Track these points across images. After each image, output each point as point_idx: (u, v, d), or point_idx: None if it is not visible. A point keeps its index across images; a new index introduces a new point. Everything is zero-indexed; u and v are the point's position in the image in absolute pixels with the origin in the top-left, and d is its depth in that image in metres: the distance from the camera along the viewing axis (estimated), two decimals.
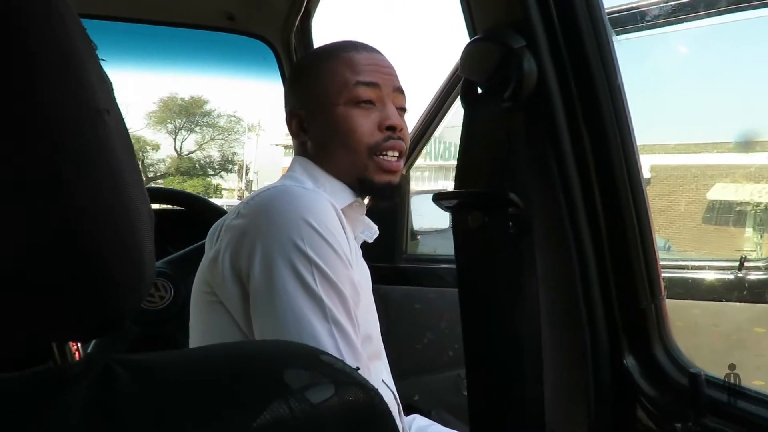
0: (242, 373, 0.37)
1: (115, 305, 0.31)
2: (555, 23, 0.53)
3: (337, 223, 0.83)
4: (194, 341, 0.93)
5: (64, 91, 0.28)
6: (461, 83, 0.63)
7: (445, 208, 0.61)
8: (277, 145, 24.32)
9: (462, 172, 0.60)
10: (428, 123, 1.64)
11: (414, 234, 1.91)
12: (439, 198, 0.60)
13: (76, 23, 0.30)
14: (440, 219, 1.95)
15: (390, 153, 0.93)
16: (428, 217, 1.94)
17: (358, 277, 0.88)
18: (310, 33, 1.37)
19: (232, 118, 27.10)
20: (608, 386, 0.59)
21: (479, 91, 0.61)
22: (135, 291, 0.32)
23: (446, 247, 2.09)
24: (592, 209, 0.57)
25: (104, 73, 0.33)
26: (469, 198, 0.58)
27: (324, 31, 1.47)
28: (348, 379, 0.40)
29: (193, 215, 1.49)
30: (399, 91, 0.96)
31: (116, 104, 0.33)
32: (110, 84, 0.33)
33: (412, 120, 1.70)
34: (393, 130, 0.92)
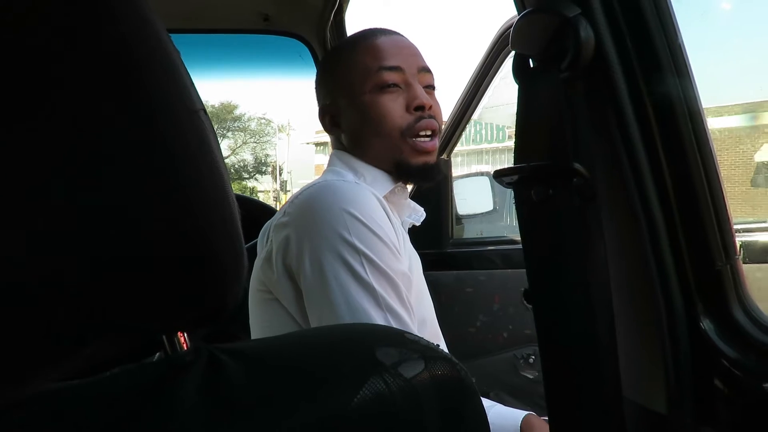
0: (337, 352, 0.38)
1: (222, 294, 0.33)
2: None
3: (381, 212, 0.84)
4: (255, 338, 0.96)
5: (166, 93, 0.30)
6: (513, 60, 0.62)
7: (506, 185, 0.61)
8: (308, 143, 24.56)
9: (521, 148, 0.60)
10: (467, 105, 1.63)
11: (459, 218, 1.91)
12: (500, 175, 0.60)
13: (167, 34, 0.32)
14: (483, 203, 1.94)
15: (423, 133, 0.93)
16: (471, 201, 1.94)
17: (408, 261, 0.89)
18: (344, 27, 1.38)
19: (262, 121, 27.45)
20: (686, 351, 0.59)
21: (532, 65, 0.61)
22: (239, 279, 0.34)
23: (492, 230, 2.09)
24: (659, 171, 0.56)
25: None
26: (531, 172, 0.58)
27: (357, 23, 1.48)
28: (435, 354, 0.41)
29: (245, 215, 1.52)
30: (425, 70, 0.96)
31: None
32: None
33: (450, 103, 1.70)
34: (422, 109, 0.92)
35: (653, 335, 0.59)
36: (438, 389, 0.39)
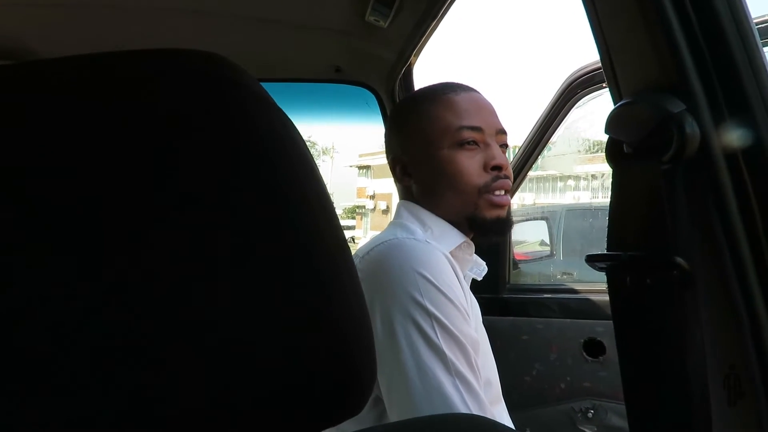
0: None
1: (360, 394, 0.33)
2: (716, 85, 0.53)
3: (452, 274, 0.85)
4: None
5: (304, 189, 0.30)
6: (606, 142, 0.63)
7: (599, 269, 0.61)
8: (351, 166, 24.86)
9: (617, 233, 0.60)
10: (528, 155, 1.64)
11: (516, 263, 1.90)
12: (593, 260, 0.60)
13: (297, 130, 0.34)
14: (541, 248, 1.93)
15: (498, 192, 0.94)
16: (529, 246, 1.93)
17: (475, 322, 0.89)
18: (412, 78, 1.42)
19: (307, 143, 27.87)
20: None
21: (626, 150, 0.62)
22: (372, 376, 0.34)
23: (548, 277, 2.06)
24: (763, 267, 0.55)
25: None
26: (628, 261, 0.58)
27: (422, 72, 1.52)
28: None
29: None
30: (501, 132, 0.98)
31: None
32: None
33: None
34: (499, 169, 0.94)
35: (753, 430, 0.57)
36: None
